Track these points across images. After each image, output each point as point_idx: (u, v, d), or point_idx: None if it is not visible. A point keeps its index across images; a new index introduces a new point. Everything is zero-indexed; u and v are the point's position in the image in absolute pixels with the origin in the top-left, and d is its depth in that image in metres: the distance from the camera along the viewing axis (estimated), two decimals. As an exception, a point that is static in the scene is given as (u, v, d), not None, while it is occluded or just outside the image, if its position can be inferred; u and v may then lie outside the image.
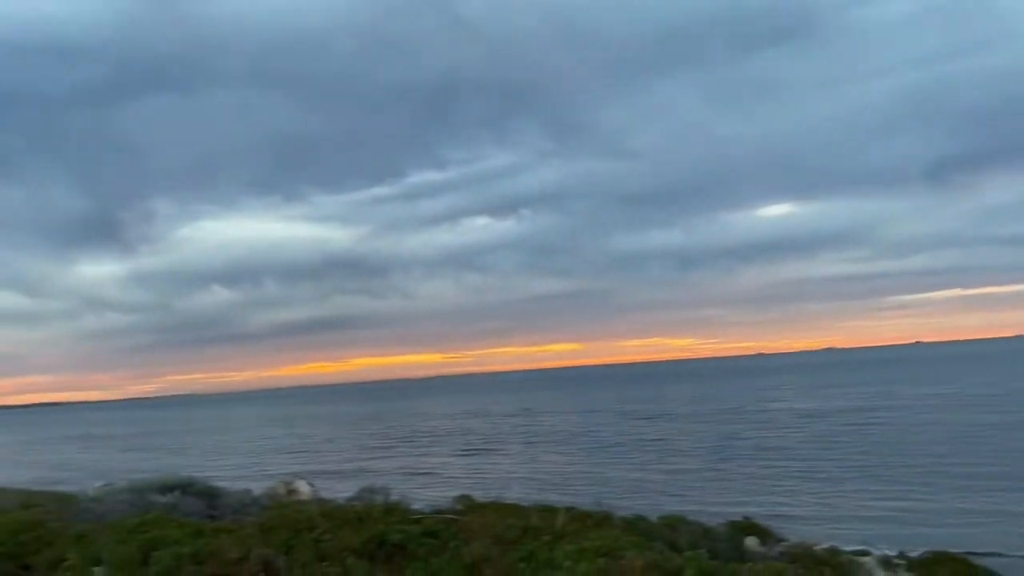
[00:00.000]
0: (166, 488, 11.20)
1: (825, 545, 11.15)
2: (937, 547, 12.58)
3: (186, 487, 11.32)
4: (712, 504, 23.59)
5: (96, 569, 6.93)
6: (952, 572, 10.58)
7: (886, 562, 10.75)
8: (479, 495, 13.45)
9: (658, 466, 35.58)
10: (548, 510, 9.12)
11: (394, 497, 9.97)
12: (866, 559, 10.41)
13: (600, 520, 8.46)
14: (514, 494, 18.37)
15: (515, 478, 33.24)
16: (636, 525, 8.72)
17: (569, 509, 9.19)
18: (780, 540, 11.38)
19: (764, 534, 11.11)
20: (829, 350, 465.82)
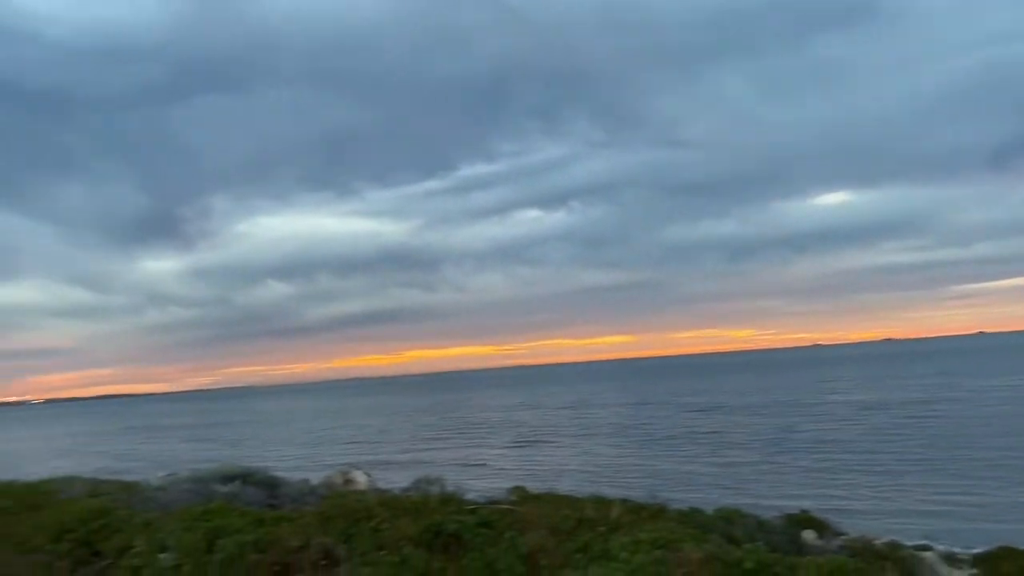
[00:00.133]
0: (227, 478, 11.44)
1: (885, 539, 10.94)
2: (1002, 543, 12.23)
3: (247, 477, 11.54)
4: (767, 498, 23.30)
5: (162, 556, 7.13)
6: (1019, 568, 10.29)
7: (949, 557, 10.51)
8: (532, 487, 13.48)
9: (712, 459, 35.24)
10: (602, 501, 9.12)
11: (448, 488, 10.05)
12: (928, 554, 10.19)
13: (655, 512, 8.42)
14: (566, 486, 18.38)
15: (567, 470, 33.23)
16: (691, 518, 8.66)
17: (623, 501, 9.17)
18: (838, 534, 11.19)
19: (822, 527, 10.94)
20: (888, 341, 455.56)
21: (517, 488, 12.82)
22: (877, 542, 10.33)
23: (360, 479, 13.70)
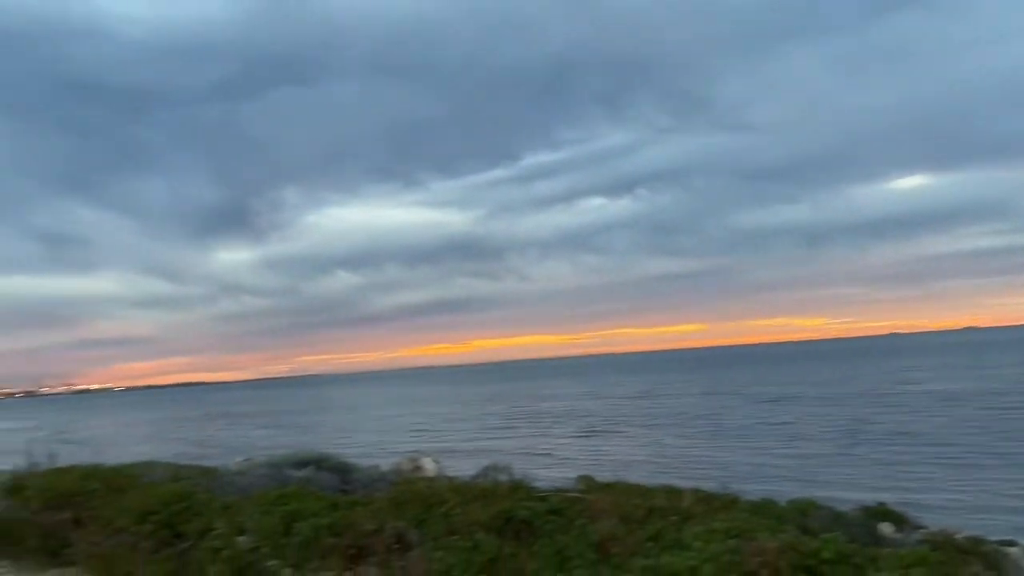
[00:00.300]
0: (301, 463, 11.67)
1: (966, 534, 10.58)
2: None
3: (320, 462, 11.75)
4: (841, 490, 22.76)
5: (241, 538, 7.33)
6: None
7: (1036, 553, 10.11)
8: (598, 476, 13.43)
9: (784, 450, 34.61)
10: (673, 491, 9.03)
11: (516, 476, 10.07)
12: (1013, 549, 9.82)
13: (727, 503, 8.30)
14: (634, 476, 18.26)
15: (634, 460, 33.02)
16: (764, 509, 8.51)
17: (695, 491, 9.07)
18: (917, 527, 10.87)
19: (900, 520, 10.63)
20: (970, 329, 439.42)
21: (584, 477, 12.79)
22: (958, 536, 10.00)
23: (428, 466, 13.83)
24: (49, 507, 8.79)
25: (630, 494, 8.87)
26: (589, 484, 11.38)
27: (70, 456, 12.27)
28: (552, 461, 33.89)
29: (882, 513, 11.03)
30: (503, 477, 9.61)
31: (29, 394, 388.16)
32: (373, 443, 45.63)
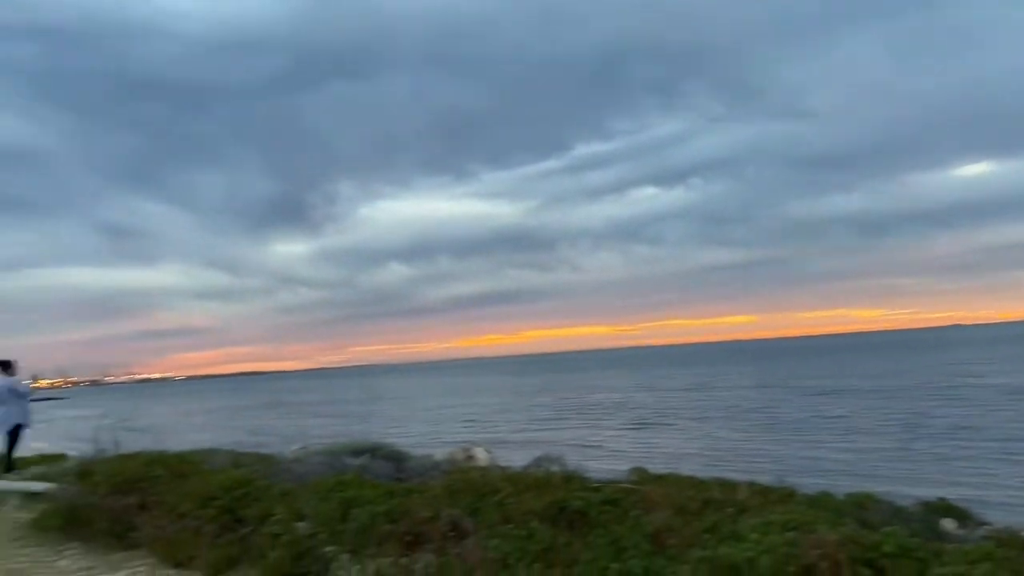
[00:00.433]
0: (357, 451, 11.85)
1: (1033, 531, 10.30)
2: None
3: (375, 451, 11.92)
4: (900, 485, 22.27)
5: (300, 524, 7.49)
6: None
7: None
8: (651, 468, 13.38)
9: (839, 444, 33.99)
10: (728, 484, 8.97)
11: (568, 467, 10.09)
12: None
13: (783, 496, 8.22)
14: (687, 468, 18.14)
15: (687, 453, 32.77)
16: (822, 502, 8.40)
17: (750, 483, 8.99)
18: (980, 524, 10.62)
19: (963, 516, 10.41)
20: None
21: (637, 469, 12.76)
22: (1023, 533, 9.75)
23: (481, 456, 13.95)
24: (116, 492, 9.06)
25: (684, 486, 8.84)
26: (642, 476, 11.36)
27: (134, 443, 12.58)
28: (603, 453, 33.78)
29: (944, 509, 10.81)
30: (556, 468, 9.64)
31: (95, 383, 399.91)
32: (426, 432, 46.03)
